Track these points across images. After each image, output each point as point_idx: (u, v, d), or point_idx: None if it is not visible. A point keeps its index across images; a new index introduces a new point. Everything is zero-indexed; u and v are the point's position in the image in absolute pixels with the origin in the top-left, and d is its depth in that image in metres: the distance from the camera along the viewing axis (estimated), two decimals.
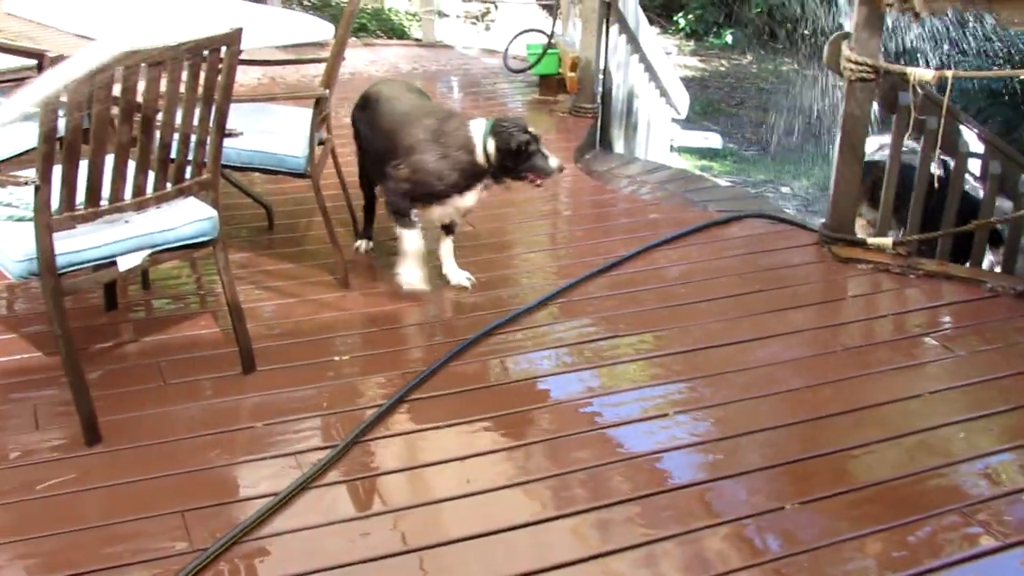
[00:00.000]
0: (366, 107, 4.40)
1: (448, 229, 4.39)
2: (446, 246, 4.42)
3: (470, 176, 4.09)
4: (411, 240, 4.17)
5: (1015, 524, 2.98)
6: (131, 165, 3.06)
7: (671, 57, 12.75)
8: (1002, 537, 2.91)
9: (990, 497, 3.09)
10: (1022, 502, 3.09)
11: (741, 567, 2.75)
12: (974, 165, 4.78)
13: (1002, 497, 3.10)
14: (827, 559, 2.80)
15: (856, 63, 4.59)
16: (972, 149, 4.75)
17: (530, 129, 4.10)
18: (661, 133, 8.23)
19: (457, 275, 4.42)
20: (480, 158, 4.04)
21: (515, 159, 4.03)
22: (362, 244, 4.72)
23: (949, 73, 4.41)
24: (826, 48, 4.79)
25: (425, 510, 2.96)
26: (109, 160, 2.98)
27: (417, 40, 10.51)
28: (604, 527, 2.90)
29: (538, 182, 4.16)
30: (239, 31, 3.14)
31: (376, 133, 4.29)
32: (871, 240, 4.84)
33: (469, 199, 4.17)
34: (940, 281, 4.60)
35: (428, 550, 2.76)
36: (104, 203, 3.02)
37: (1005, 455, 3.33)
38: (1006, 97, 10.87)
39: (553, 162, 4.12)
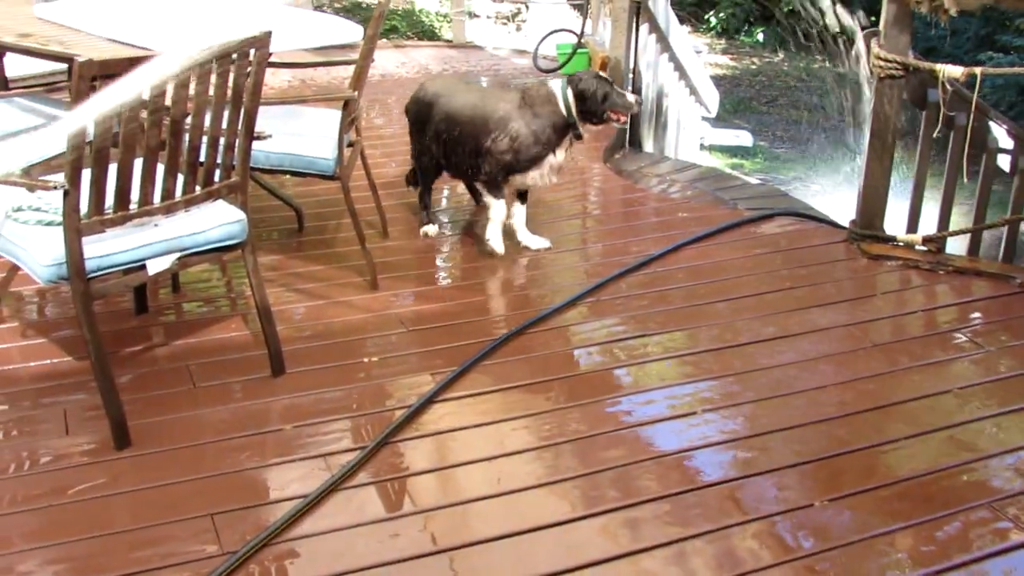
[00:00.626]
0: (434, 102, 4.71)
1: (523, 197, 4.81)
2: (520, 215, 4.84)
3: (561, 131, 4.53)
4: (498, 209, 4.67)
5: None
6: (160, 169, 3.08)
7: (702, 56, 12.72)
8: None
9: (1020, 491, 3.07)
10: None
11: (772, 564, 2.73)
12: (1004, 161, 4.75)
13: None
14: (858, 555, 2.78)
15: (885, 60, 4.57)
16: (1002, 145, 4.71)
17: (602, 74, 4.57)
18: (691, 132, 8.20)
19: (535, 241, 4.85)
20: (563, 111, 4.49)
21: (595, 102, 4.46)
22: (431, 228, 4.98)
23: (978, 70, 4.37)
24: (858, 43, 4.77)
25: (455, 510, 2.96)
26: (138, 164, 3.00)
27: (448, 41, 10.54)
28: (634, 525, 2.89)
29: (622, 119, 4.58)
30: (268, 34, 3.16)
31: (454, 122, 4.63)
32: (900, 236, 4.81)
33: (560, 155, 4.61)
34: (970, 277, 4.57)
35: (458, 550, 2.77)
36: (133, 207, 3.04)
37: None
38: None
39: (631, 97, 4.56)
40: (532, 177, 4.60)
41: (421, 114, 4.77)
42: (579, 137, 4.56)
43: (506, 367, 3.71)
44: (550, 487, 3.06)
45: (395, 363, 3.74)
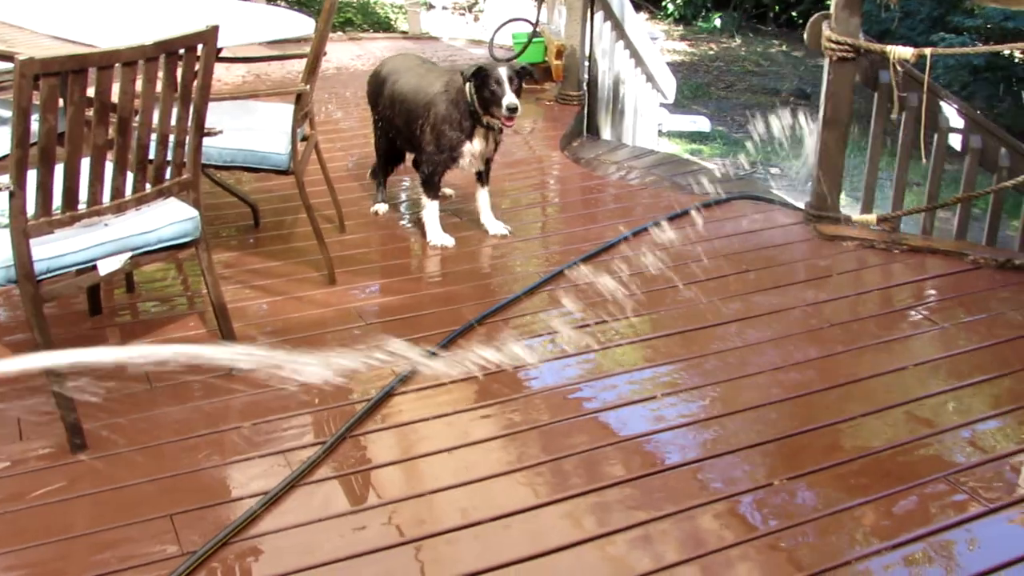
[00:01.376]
0: (385, 79, 4.83)
1: (481, 179, 4.84)
2: (483, 197, 4.89)
3: (472, 119, 4.53)
4: (432, 210, 4.71)
5: (1000, 489, 3.01)
6: (109, 167, 3.04)
7: (659, 42, 12.72)
8: (987, 502, 2.93)
9: (976, 464, 3.13)
10: (1006, 467, 3.11)
11: (736, 542, 2.75)
12: (955, 141, 4.79)
13: (987, 463, 3.14)
14: (821, 531, 2.81)
15: (836, 43, 4.59)
16: (953, 124, 4.76)
17: (516, 67, 4.52)
18: (649, 118, 8.20)
19: (495, 226, 4.88)
20: (472, 100, 4.48)
21: (480, 95, 4.44)
22: (381, 207, 5.10)
23: (928, 51, 4.41)
24: (807, 29, 4.79)
25: (419, 501, 2.94)
26: (86, 163, 2.96)
27: (403, 33, 10.50)
28: (599, 510, 2.89)
29: (505, 123, 4.46)
30: (215, 28, 3.12)
31: (396, 101, 4.72)
32: (856, 217, 4.85)
33: (477, 144, 4.59)
34: (924, 255, 4.63)
35: (424, 540, 2.76)
36: (82, 207, 3.00)
37: (990, 422, 3.37)
38: (988, 73, 10.87)
39: (508, 98, 4.35)
40: (463, 163, 4.65)
41: (375, 90, 4.91)
42: (490, 128, 4.57)
43: (468, 356, 3.70)
44: (514, 475, 3.05)
45: (355, 357, 3.71)
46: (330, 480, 3.01)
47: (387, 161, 5.05)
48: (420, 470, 3.12)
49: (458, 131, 4.52)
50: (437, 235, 4.70)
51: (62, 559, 2.66)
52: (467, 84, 4.45)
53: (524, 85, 4.50)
